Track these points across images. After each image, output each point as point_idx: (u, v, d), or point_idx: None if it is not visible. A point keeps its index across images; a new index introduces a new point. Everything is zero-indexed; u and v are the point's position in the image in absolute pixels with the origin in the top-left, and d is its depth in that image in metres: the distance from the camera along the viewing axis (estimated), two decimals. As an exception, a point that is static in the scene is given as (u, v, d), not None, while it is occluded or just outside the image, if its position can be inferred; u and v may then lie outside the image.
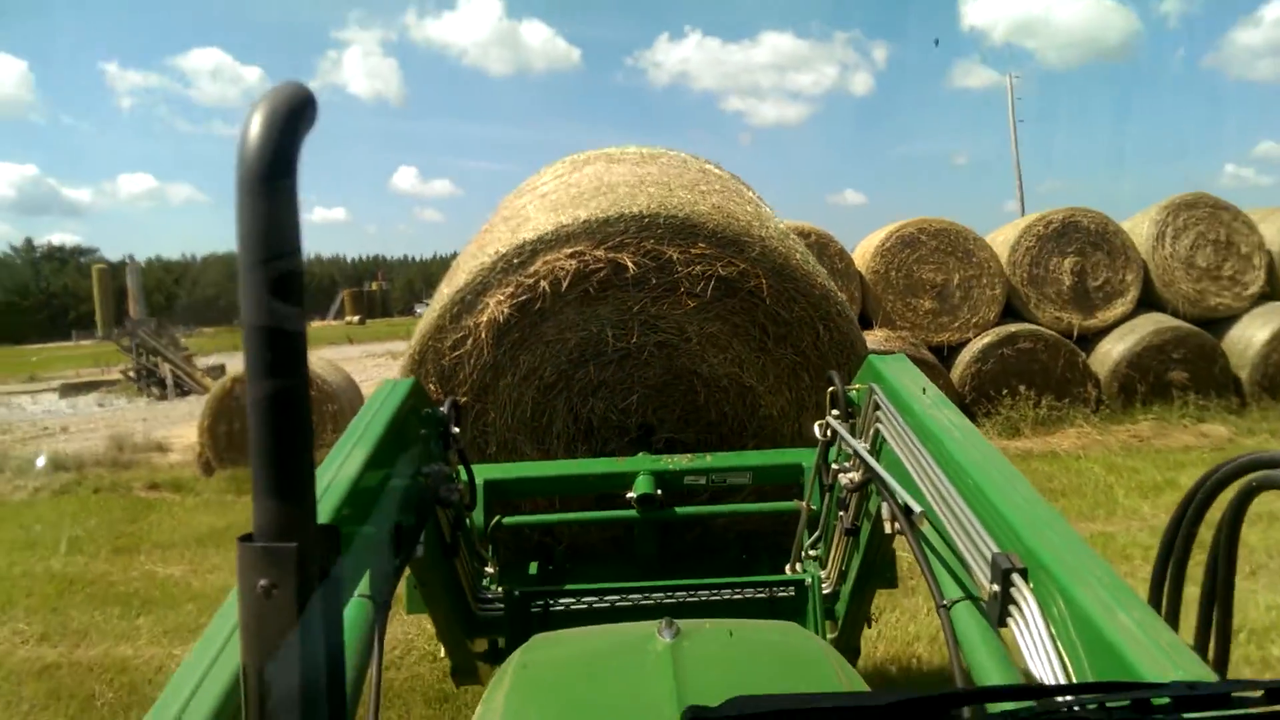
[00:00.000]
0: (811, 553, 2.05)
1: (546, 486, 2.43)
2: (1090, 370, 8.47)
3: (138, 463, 10.35)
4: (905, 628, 3.94)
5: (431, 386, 2.69)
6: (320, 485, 1.17)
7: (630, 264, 2.48)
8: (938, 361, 9.08)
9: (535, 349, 2.61)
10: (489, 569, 2.13)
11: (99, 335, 20.38)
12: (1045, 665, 0.84)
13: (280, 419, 0.46)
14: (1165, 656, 0.71)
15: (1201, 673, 0.68)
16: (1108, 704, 0.44)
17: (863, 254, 8.89)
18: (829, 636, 2.01)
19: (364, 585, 1.22)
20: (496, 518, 2.25)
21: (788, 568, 2.17)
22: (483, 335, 2.53)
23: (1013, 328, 8.21)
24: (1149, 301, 8.81)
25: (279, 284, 0.46)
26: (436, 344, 2.64)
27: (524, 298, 2.51)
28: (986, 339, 8.34)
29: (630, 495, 2.17)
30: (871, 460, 1.45)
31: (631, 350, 2.65)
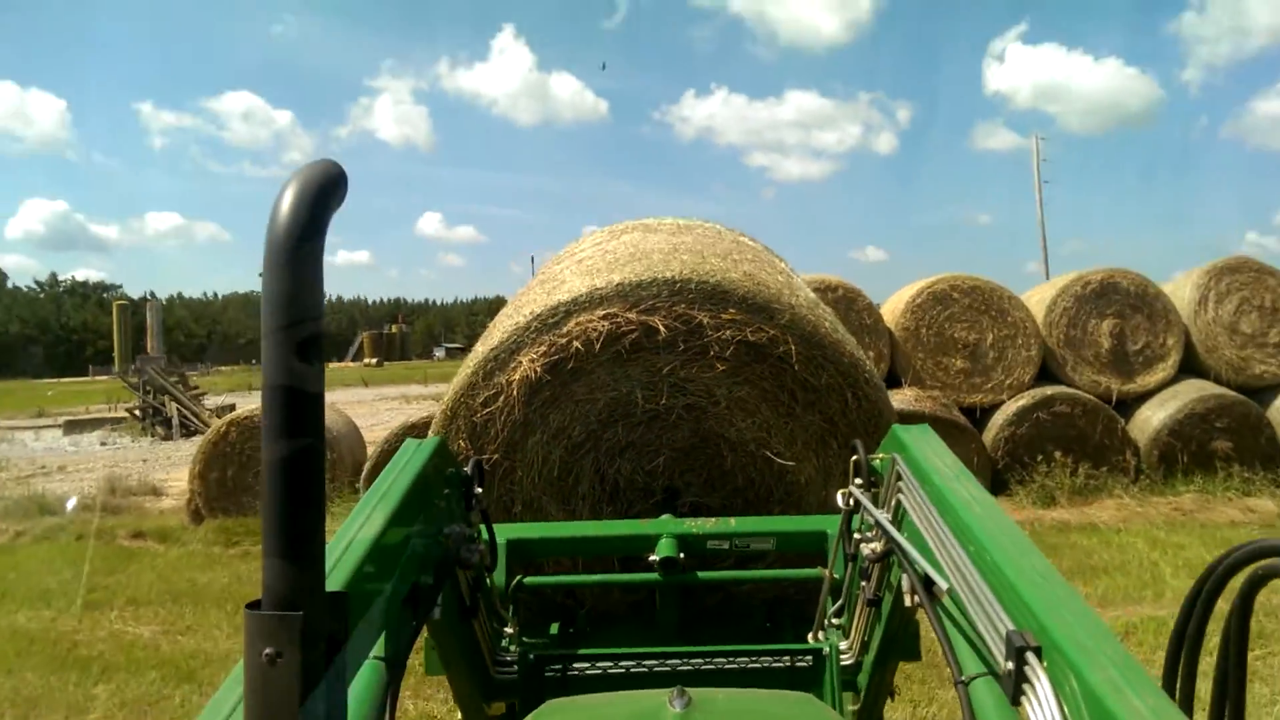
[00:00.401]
0: (835, 621, 2.08)
1: (569, 547, 2.48)
2: (1129, 438, 8.38)
3: (128, 508, 10.20)
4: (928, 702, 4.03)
5: (462, 443, 2.79)
6: (340, 545, 1.20)
7: (661, 327, 2.58)
8: (969, 424, 8.91)
9: (565, 408, 2.72)
10: (508, 630, 2.16)
11: (115, 372, 21.20)
12: None
13: (294, 481, 0.48)
14: None
15: None
16: None
17: (892, 310, 8.94)
18: (850, 708, 2.02)
19: (379, 647, 1.25)
20: (518, 577, 2.30)
21: (810, 636, 2.20)
22: (514, 393, 2.64)
23: (1049, 390, 8.23)
24: (1190, 367, 8.76)
25: (300, 346, 0.48)
26: (469, 400, 2.75)
27: (556, 357, 2.62)
28: (1021, 401, 8.17)
29: (653, 558, 2.21)
30: (893, 531, 1.48)
31: (660, 412, 2.74)
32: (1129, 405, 8.68)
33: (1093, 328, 8.49)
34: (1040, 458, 7.99)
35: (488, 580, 2.05)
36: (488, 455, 2.78)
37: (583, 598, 2.84)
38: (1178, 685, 1.26)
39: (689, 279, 2.67)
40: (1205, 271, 8.79)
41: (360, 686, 1.22)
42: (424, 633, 1.78)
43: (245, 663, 0.50)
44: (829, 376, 2.66)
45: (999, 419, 8.23)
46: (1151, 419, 8.33)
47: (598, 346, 2.63)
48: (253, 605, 0.51)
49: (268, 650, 0.48)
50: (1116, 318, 8.45)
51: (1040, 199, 18.37)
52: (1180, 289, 8.99)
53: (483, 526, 1.87)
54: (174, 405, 17.95)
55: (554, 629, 2.62)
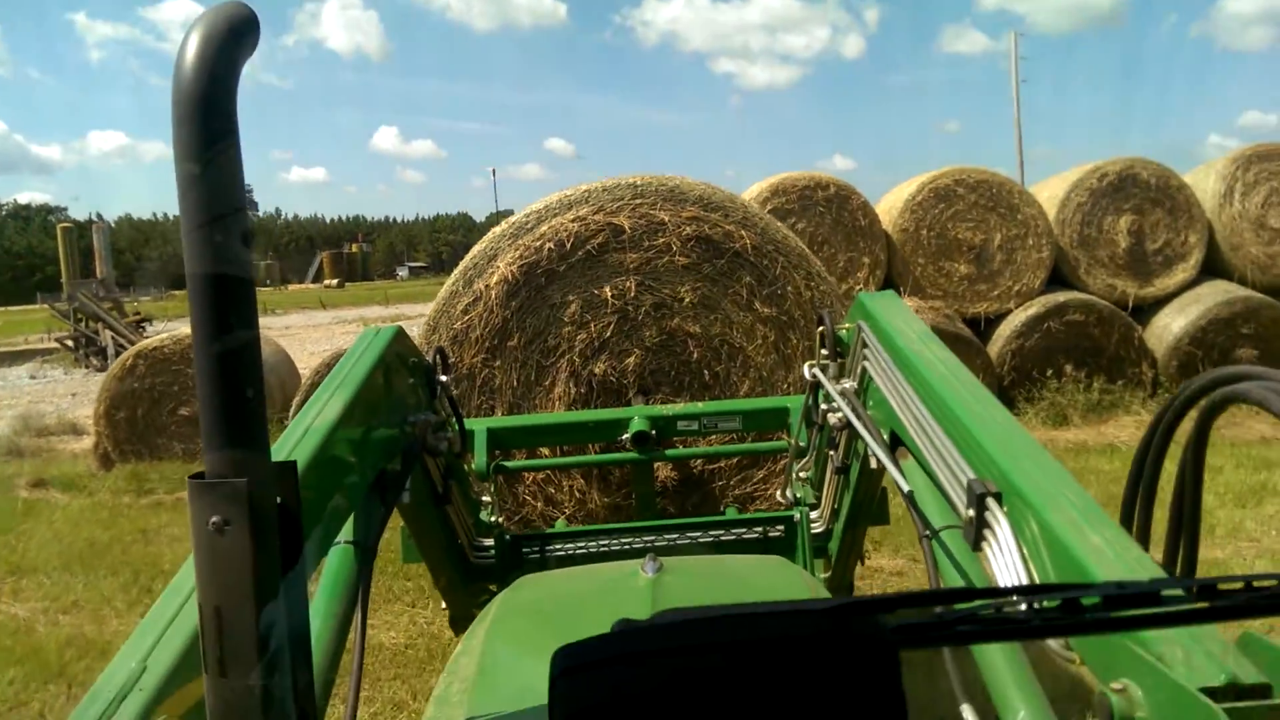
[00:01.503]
0: (802, 475, 2.72)
1: (546, 435, 3.30)
2: (1146, 347, 9.05)
3: (39, 450, 10.17)
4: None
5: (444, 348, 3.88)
6: (298, 430, 1.39)
7: (626, 225, 3.53)
8: (974, 336, 8.81)
9: (540, 311, 3.67)
10: (487, 499, 2.76)
11: (64, 298, 22.28)
12: (1014, 583, 1.09)
13: (232, 370, 0.56)
14: (1132, 574, 0.92)
15: None
16: (1037, 604, 0.58)
17: (888, 210, 9.31)
18: (822, 574, 2.63)
19: (348, 531, 1.50)
20: (497, 460, 2.98)
21: (778, 493, 3.03)
22: (493, 296, 3.59)
23: (1061, 297, 8.81)
24: (1212, 268, 9.38)
25: (226, 228, 0.55)
26: (449, 309, 3.73)
27: (531, 259, 3.58)
28: (1031, 310, 8.74)
29: (625, 436, 2.93)
30: (854, 402, 1.89)
31: (628, 311, 3.69)
32: (1145, 311, 9.22)
33: (1109, 225, 9.05)
34: (1050, 372, 8.63)
35: (465, 467, 2.60)
36: (469, 360, 3.68)
37: (561, 505, 3.73)
38: (1135, 519, 1.51)
39: (649, 181, 3.67)
40: (1231, 160, 9.30)
41: (331, 570, 1.46)
42: (400, 524, 2.21)
43: (193, 534, 0.58)
44: (781, 268, 3.68)
45: (1006, 330, 8.81)
46: (1170, 326, 8.97)
47: (568, 246, 3.58)
48: (195, 477, 0.59)
49: (215, 518, 0.56)
50: (1135, 214, 9.02)
51: (1017, 99, 20.08)
52: (1203, 180, 9.49)
53: (451, 414, 2.21)
54: (108, 334, 18.26)
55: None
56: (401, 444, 1.84)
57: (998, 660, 1.11)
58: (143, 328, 20.67)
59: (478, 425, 2.90)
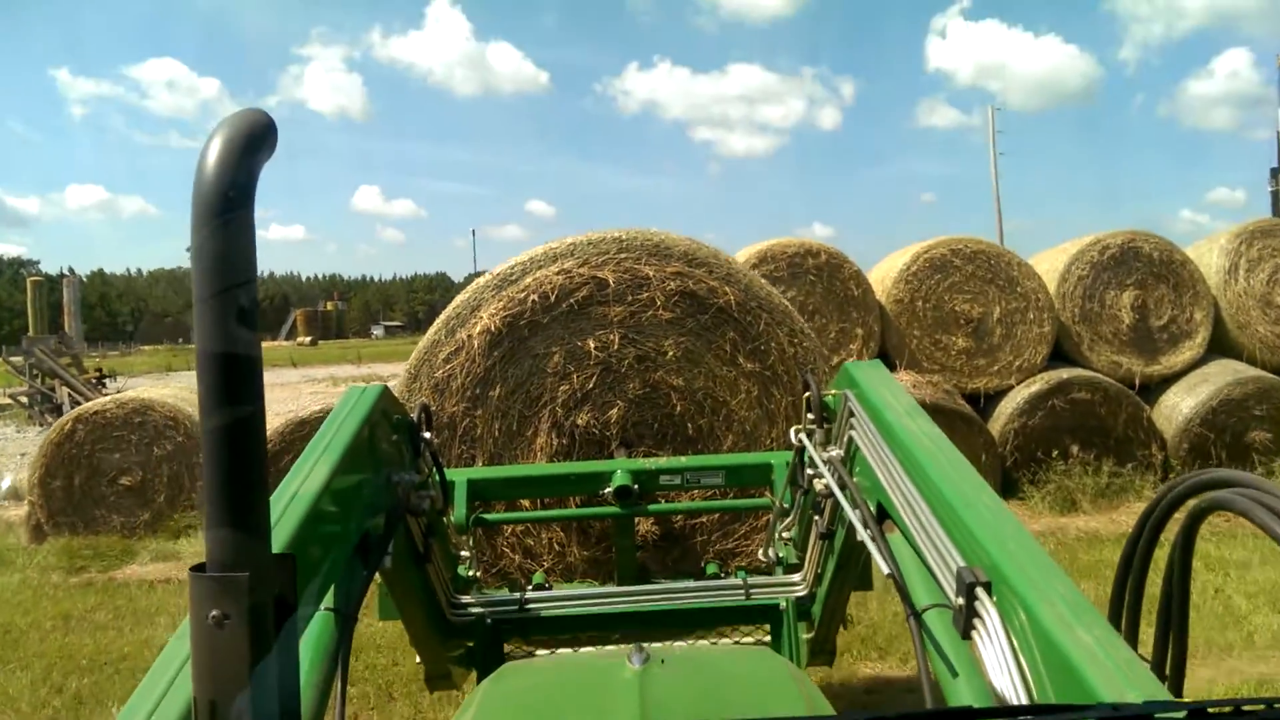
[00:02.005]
0: (785, 535, 2.94)
1: (528, 487, 3.59)
2: (1155, 428, 9.39)
3: None
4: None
5: (425, 398, 4.03)
6: (283, 499, 1.51)
7: (611, 279, 3.95)
8: (975, 413, 9.10)
9: (523, 362, 4.07)
10: (472, 573, 3.01)
11: (21, 352, 23.83)
12: (1007, 679, 1.20)
13: (235, 448, 0.64)
14: (1121, 675, 1.02)
15: (1156, 691, 0.97)
16: None
17: (881, 280, 9.74)
18: (805, 636, 2.90)
19: (329, 599, 1.63)
20: (476, 513, 3.21)
21: (760, 553, 3.26)
22: (475, 346, 3.98)
23: (1065, 374, 9.21)
24: (1219, 346, 9.95)
25: (235, 312, 0.64)
26: (430, 358, 4.12)
27: (515, 310, 3.98)
28: (1034, 387, 9.12)
29: (607, 491, 3.20)
30: (841, 472, 2.06)
31: (612, 363, 4.08)
32: (1152, 390, 9.60)
33: (1111, 300, 9.52)
34: (1056, 453, 8.84)
35: (444, 520, 2.79)
36: (450, 409, 4.07)
37: (540, 557, 4.08)
38: (1123, 618, 1.65)
39: (635, 236, 4.14)
40: (1234, 235, 9.85)
41: (312, 638, 1.57)
42: (378, 579, 2.36)
43: (191, 627, 0.65)
44: (765, 324, 4.11)
45: (1007, 407, 9.12)
46: (1179, 406, 9.34)
47: (553, 299, 4.01)
48: (196, 569, 0.66)
49: (214, 612, 0.63)
50: (1138, 288, 9.50)
51: (995, 169, 21.54)
52: (1205, 255, 10.03)
53: (434, 471, 2.39)
54: (65, 390, 18.80)
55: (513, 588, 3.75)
56: (385, 505, 2.00)
57: None
58: (103, 384, 21.15)
59: (458, 476, 3.15)
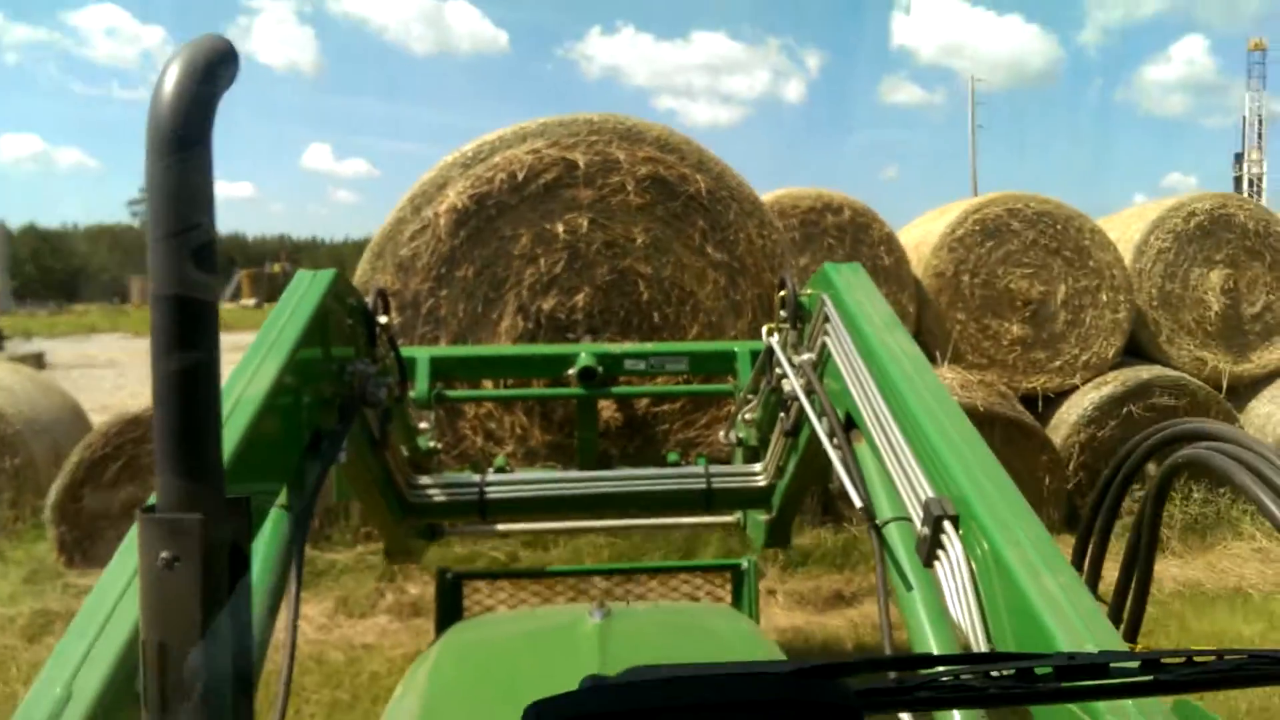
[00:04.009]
0: (748, 417, 3.72)
1: (491, 367, 4.36)
2: None
3: None
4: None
5: (389, 277, 4.81)
6: (230, 398, 1.83)
7: (581, 161, 4.72)
8: (1035, 422, 9.53)
9: (490, 243, 4.86)
10: (434, 443, 3.82)
11: None
12: (964, 613, 1.57)
13: (188, 393, 0.84)
14: (1081, 624, 1.35)
15: (1113, 641, 1.29)
16: (992, 673, 0.91)
17: (917, 247, 10.26)
18: (762, 518, 3.73)
19: (282, 496, 2.01)
20: (438, 388, 4.01)
21: (721, 434, 4.12)
22: (441, 224, 4.68)
23: (1144, 373, 9.81)
24: None
25: (191, 253, 0.85)
26: (395, 235, 4.81)
27: (483, 189, 4.70)
28: (1105, 389, 9.74)
29: (570, 373, 4.09)
30: (811, 378, 2.63)
31: (580, 248, 4.86)
32: (1240, 394, 10.35)
33: (1197, 281, 10.44)
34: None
35: (403, 402, 3.46)
36: (414, 288, 4.81)
37: (502, 441, 5.03)
38: (1085, 565, 2.08)
39: (606, 119, 4.83)
40: None
41: (265, 537, 1.96)
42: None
43: (141, 569, 0.85)
44: (735, 214, 4.95)
45: (1071, 414, 9.61)
46: (1276, 416, 10.10)
47: (521, 178, 4.79)
48: (147, 510, 0.85)
49: (164, 554, 0.83)
50: (1229, 267, 10.44)
51: (974, 143, 24.80)
52: None
53: (390, 355, 3.01)
54: None
55: (475, 467, 4.31)
56: (338, 399, 2.41)
57: None
58: (0, 347, 23.01)
59: (420, 353, 3.90)
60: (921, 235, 10.76)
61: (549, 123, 5.16)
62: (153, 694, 0.89)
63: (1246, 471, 1.66)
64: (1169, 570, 10.01)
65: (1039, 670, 0.97)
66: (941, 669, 0.98)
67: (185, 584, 0.88)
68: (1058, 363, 10.56)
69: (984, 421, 8.55)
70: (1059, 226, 10.63)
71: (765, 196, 9.35)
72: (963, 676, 0.98)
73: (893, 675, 0.97)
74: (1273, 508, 1.61)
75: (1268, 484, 1.64)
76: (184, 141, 0.89)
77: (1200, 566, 9.93)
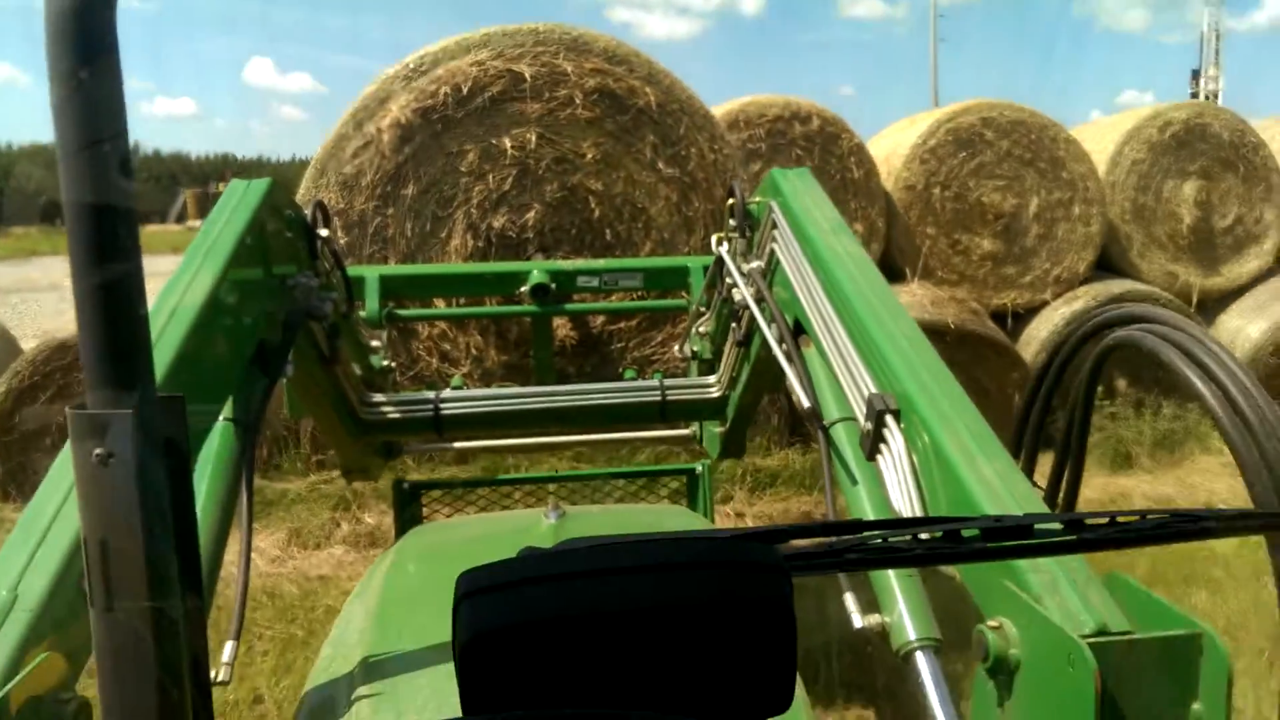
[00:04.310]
0: (702, 330, 3.81)
1: (442, 285, 4.38)
2: None
3: None
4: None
5: (333, 195, 4.74)
6: (165, 308, 1.83)
7: (527, 73, 4.64)
8: (1005, 338, 9.80)
9: (436, 160, 4.81)
10: (387, 362, 3.81)
11: None
12: (905, 501, 1.64)
13: (111, 301, 0.85)
14: (1016, 505, 1.40)
15: None
16: (921, 535, 0.95)
17: (887, 159, 10.15)
18: (718, 430, 3.85)
19: (228, 409, 2.04)
20: (389, 308, 4.03)
21: (676, 348, 4.22)
22: (384, 140, 4.62)
23: (1115, 287, 10.01)
24: None
25: (106, 153, 0.84)
26: (338, 152, 4.74)
27: (427, 103, 4.60)
28: (1076, 304, 9.91)
29: (524, 289, 4.10)
30: (760, 285, 2.70)
31: (529, 164, 4.82)
32: (1209, 308, 10.38)
33: (1170, 193, 10.37)
34: (1101, 390, 10.01)
35: (351, 320, 3.49)
36: (359, 207, 4.78)
37: (457, 362, 5.05)
38: (1022, 452, 2.13)
39: (552, 30, 4.74)
40: None
41: (213, 449, 1.98)
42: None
43: (75, 467, 0.86)
44: (686, 128, 4.93)
45: (1041, 330, 9.81)
46: (1245, 330, 10.16)
47: (465, 92, 4.70)
48: (77, 406, 0.87)
49: (98, 451, 0.84)
50: (1202, 178, 10.35)
51: (935, 56, 25.34)
52: (1274, 136, 10.50)
53: (335, 270, 3.03)
54: None
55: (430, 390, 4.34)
56: (281, 312, 2.44)
57: (887, 572, 1.71)
58: None
59: (370, 272, 3.93)
60: (891, 147, 10.59)
61: (493, 33, 5.11)
62: (98, 592, 0.89)
63: (1176, 350, 1.72)
64: (1139, 486, 10.09)
65: (966, 533, 0.98)
66: (872, 533, 0.99)
67: (121, 480, 0.88)
68: (1028, 278, 10.50)
69: (955, 339, 8.62)
70: (1033, 137, 10.42)
71: (730, 105, 9.23)
72: (891, 540, 0.99)
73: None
74: (1200, 385, 1.68)
75: (1196, 363, 1.70)
76: (90, 48, 0.87)
77: (1170, 481, 10.00)
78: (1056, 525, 1.01)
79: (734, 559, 0.81)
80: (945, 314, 9.32)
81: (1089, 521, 1.00)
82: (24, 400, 6.20)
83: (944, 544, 0.99)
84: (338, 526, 6.00)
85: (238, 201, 2.48)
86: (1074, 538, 1.00)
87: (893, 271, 9.99)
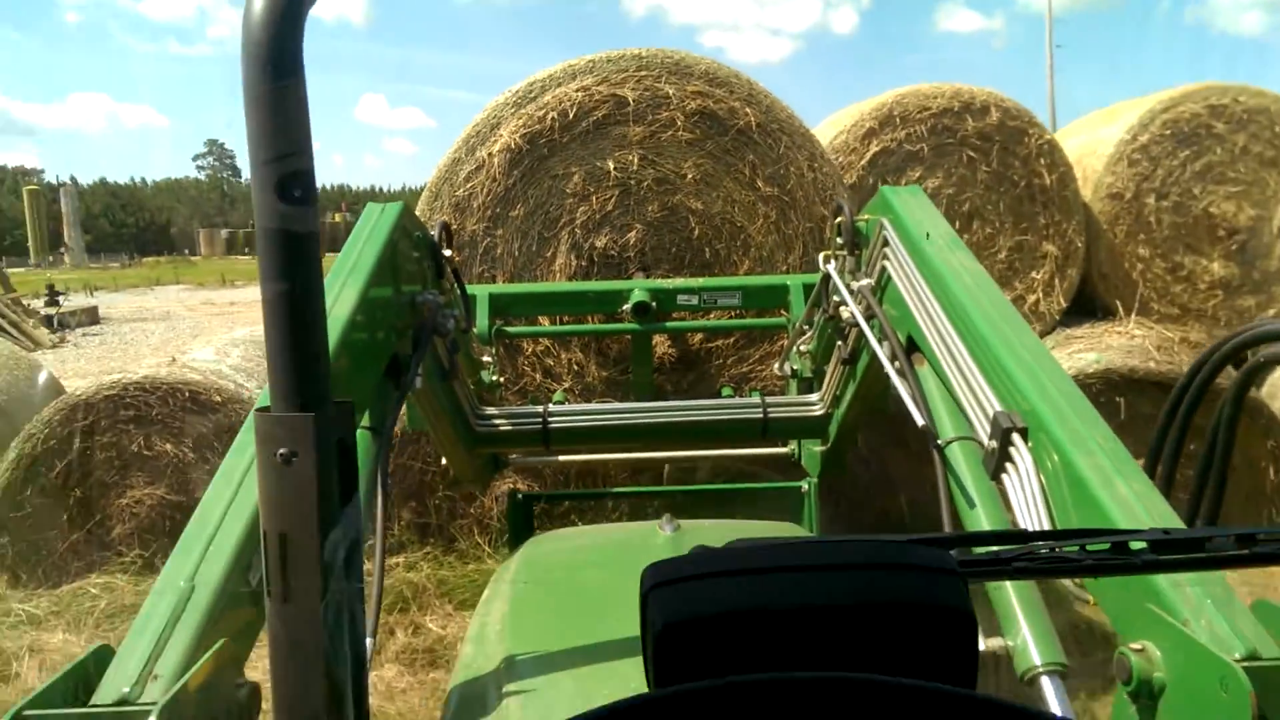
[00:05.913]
0: (803, 348, 3.89)
1: (547, 303, 4.73)
2: None
3: None
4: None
5: (446, 217, 4.96)
6: None
7: (630, 98, 4.90)
8: (1253, 393, 5.67)
9: (542, 182, 5.12)
10: (496, 377, 4.11)
11: (31, 262, 26.68)
12: (1033, 522, 1.61)
13: (291, 318, 0.95)
14: (1156, 526, 1.30)
15: None
16: (1088, 547, 0.94)
17: (1081, 161, 7.99)
18: (817, 449, 3.90)
19: (364, 419, 2.18)
20: (497, 325, 4.30)
21: (776, 366, 4.29)
22: (495, 164, 4.94)
23: None
24: None
25: (280, 184, 0.93)
26: (451, 176, 5.09)
27: (535, 128, 4.92)
28: None
29: (625, 308, 4.32)
30: (871, 302, 2.69)
31: (631, 185, 5.08)
32: None
33: None
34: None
35: (472, 333, 3.77)
36: (470, 228, 5.11)
37: (559, 375, 5.34)
38: (1158, 471, 2.08)
39: (655, 54, 4.97)
40: None
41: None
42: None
43: (259, 464, 0.96)
44: (785, 147, 5.07)
45: None
46: None
47: (572, 116, 5.00)
48: (262, 410, 0.97)
49: (282, 450, 0.94)
50: None
51: (1051, 63, 24.66)
52: None
53: (456, 289, 3.20)
54: None
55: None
56: (410, 325, 2.61)
57: (1010, 594, 1.69)
58: (55, 303, 24.37)
59: (480, 291, 4.16)
60: (1086, 146, 8.47)
61: (598, 59, 5.39)
62: (276, 584, 0.98)
63: None
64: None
65: (1134, 545, 1.00)
66: (1040, 543, 1.02)
67: (303, 478, 0.98)
68: (1272, 310, 8.41)
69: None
70: (1277, 129, 8.18)
71: (885, 96, 7.69)
72: (1060, 550, 1.01)
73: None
74: None
75: None
76: (280, 71, 0.96)
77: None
78: (1228, 538, 0.99)
79: (912, 563, 0.83)
80: (1176, 361, 6.71)
81: (1262, 536, 0.99)
82: (38, 470, 5.52)
83: (1113, 555, 1.00)
84: (391, 635, 4.97)
85: (374, 224, 2.71)
86: (1246, 551, 0.99)
87: (1093, 305, 8.17)
